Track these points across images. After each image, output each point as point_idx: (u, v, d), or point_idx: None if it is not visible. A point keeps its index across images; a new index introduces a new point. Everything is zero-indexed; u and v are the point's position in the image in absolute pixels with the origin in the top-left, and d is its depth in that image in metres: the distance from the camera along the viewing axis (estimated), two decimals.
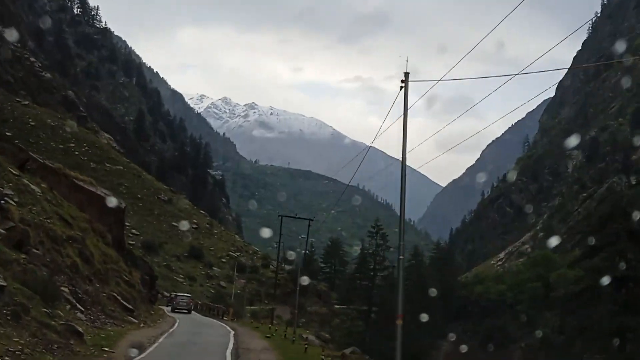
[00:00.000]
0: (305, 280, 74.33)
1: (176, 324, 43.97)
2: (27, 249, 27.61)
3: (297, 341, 37.42)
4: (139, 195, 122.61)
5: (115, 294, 37.10)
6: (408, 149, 21.31)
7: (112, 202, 46.77)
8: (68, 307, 28.17)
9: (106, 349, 24.12)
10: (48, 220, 34.04)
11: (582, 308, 45.92)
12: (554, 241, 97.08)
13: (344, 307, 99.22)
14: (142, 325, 37.48)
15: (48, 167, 45.24)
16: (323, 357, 28.34)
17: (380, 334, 68.07)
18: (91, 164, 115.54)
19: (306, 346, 30.85)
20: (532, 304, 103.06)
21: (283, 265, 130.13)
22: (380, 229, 79.18)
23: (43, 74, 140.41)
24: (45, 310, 23.67)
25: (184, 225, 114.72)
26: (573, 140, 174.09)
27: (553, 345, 78.64)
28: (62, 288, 29.34)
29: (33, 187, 36.76)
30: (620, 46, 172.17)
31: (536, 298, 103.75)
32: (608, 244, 44.97)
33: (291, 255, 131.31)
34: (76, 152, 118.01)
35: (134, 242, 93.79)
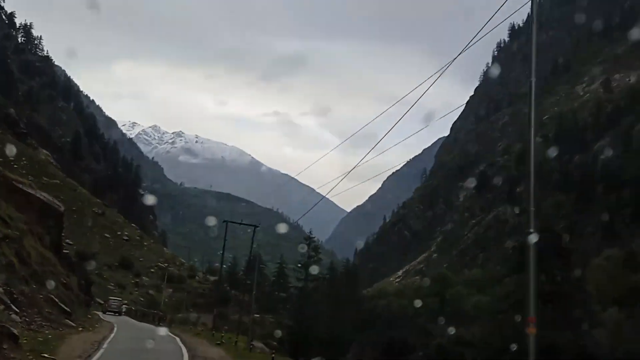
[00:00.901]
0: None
1: (115, 329, 38.17)
2: None
3: (252, 349, 32.83)
4: (74, 208, 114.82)
5: (52, 296, 31.45)
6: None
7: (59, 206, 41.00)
8: (1, 307, 22.83)
9: (46, 355, 18.81)
10: None
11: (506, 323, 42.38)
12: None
13: (266, 316, 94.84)
14: (80, 329, 31.83)
15: None
16: None
17: (310, 343, 63.61)
18: (29, 177, 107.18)
19: (273, 356, 26.05)
20: (430, 316, 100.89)
21: (208, 276, 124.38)
22: (312, 240, 74.55)
23: None
24: None
25: None
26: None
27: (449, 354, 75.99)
28: None
29: None
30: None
31: (433, 311, 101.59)
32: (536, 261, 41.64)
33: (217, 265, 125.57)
34: (15, 166, 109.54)
35: (68, 252, 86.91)
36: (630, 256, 55.04)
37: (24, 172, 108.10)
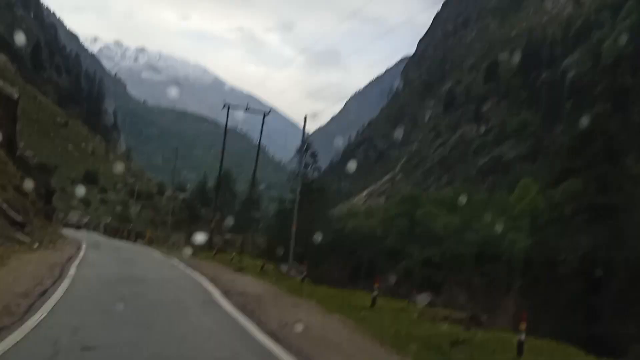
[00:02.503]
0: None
1: (84, 247, 28.50)
2: None
3: (297, 280, 23.09)
4: (35, 117, 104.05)
5: None
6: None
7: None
8: None
9: None
10: None
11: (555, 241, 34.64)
12: None
13: (238, 235, 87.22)
14: (36, 245, 22.61)
15: None
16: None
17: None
18: None
19: (375, 295, 14.90)
20: (399, 237, 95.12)
21: (177, 192, 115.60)
22: (309, 146, 65.58)
23: None
24: None
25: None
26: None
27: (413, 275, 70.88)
28: None
29: None
30: None
31: (403, 233, 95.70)
32: (585, 167, 33.69)
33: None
34: None
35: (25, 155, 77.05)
36: None
37: None
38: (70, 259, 20.27)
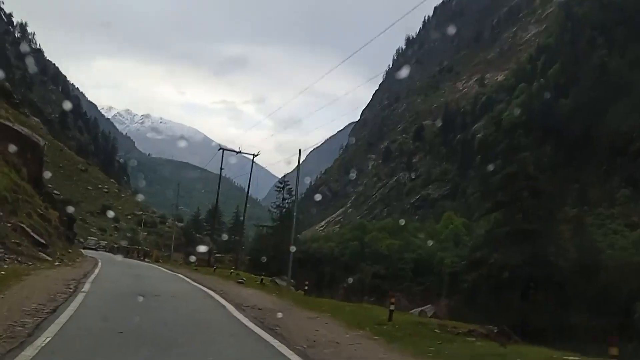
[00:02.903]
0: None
1: (100, 264, 24.90)
2: None
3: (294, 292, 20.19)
4: (61, 165, 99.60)
5: (23, 226, 19.40)
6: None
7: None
8: None
9: None
10: None
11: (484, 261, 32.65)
12: None
13: (225, 255, 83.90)
14: (57, 263, 19.38)
15: None
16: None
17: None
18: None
19: (392, 309, 11.65)
20: (352, 256, 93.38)
21: (176, 222, 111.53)
22: (287, 184, 63.35)
23: None
24: None
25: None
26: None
27: (365, 285, 69.62)
28: None
29: None
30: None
31: (354, 253, 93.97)
32: (512, 201, 32.00)
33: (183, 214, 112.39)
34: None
35: (51, 190, 72.66)
36: None
37: None
38: (86, 275, 17.03)
